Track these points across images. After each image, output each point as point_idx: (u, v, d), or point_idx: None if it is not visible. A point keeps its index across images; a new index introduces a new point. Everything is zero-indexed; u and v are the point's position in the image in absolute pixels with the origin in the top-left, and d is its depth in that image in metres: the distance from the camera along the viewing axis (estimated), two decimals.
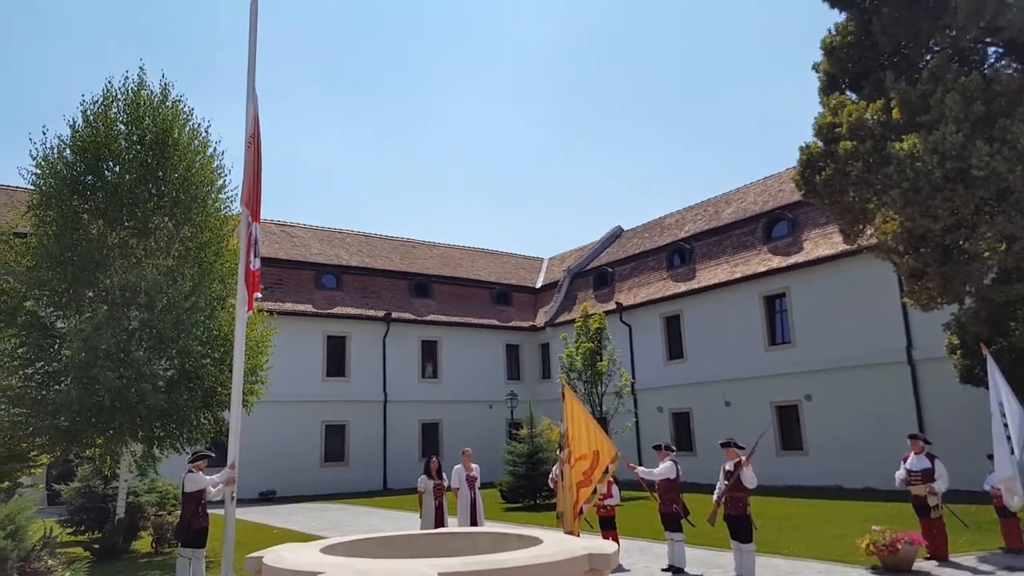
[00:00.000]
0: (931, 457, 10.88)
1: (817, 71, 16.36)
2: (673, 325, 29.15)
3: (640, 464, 13.18)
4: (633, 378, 27.23)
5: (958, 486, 13.00)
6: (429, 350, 33.03)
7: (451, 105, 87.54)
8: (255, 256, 7.70)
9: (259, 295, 7.91)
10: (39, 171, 13.42)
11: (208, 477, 9.65)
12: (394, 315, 31.56)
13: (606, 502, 11.19)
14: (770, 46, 79.61)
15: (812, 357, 23.68)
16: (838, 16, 16.08)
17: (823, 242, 24.07)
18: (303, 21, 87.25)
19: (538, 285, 38.93)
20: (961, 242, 13.49)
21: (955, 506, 11.62)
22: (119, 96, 13.85)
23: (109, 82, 13.86)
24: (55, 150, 13.51)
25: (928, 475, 10.74)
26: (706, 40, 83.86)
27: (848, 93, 15.77)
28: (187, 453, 12.55)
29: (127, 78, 13.95)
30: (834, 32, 15.90)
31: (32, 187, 13.63)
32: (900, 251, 14.43)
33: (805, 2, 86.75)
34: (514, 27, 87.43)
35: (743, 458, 9.77)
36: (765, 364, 25.22)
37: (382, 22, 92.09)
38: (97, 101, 13.74)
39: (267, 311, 16.61)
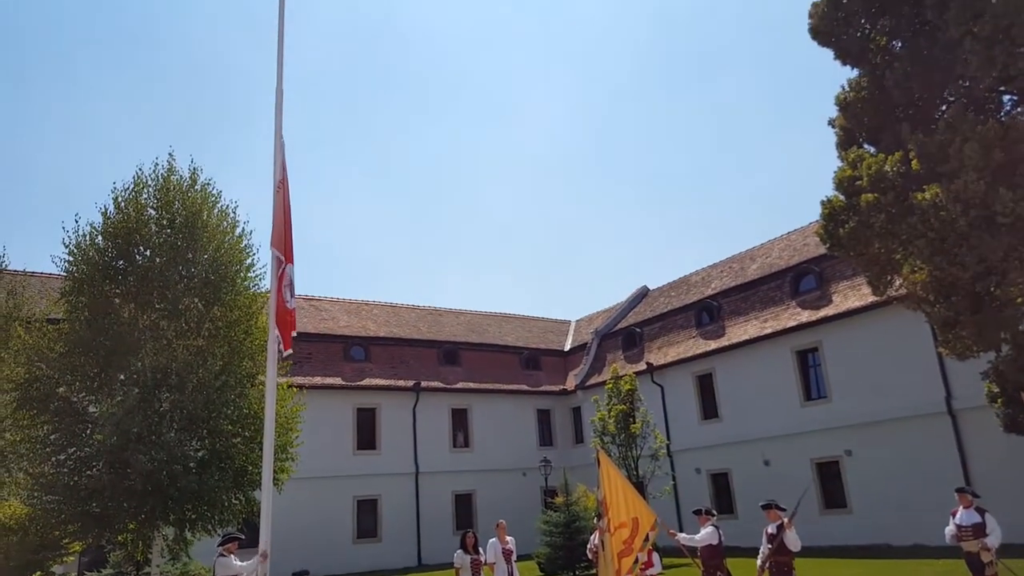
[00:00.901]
0: (981, 511, 10.48)
1: (833, 126, 16.49)
2: (706, 384, 28.70)
3: (681, 530, 12.81)
4: (668, 440, 26.74)
5: (1011, 539, 12.42)
6: (460, 418, 32.78)
7: (476, 176, 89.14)
8: (291, 296, 7.73)
9: (295, 333, 7.88)
10: (72, 258, 13.81)
11: (240, 563, 9.49)
12: (423, 384, 31.47)
13: (648, 571, 10.92)
14: (783, 102, 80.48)
15: (850, 411, 23.11)
16: (850, 72, 16.29)
17: (852, 294, 23.77)
18: (331, 97, 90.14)
19: (567, 348, 38.71)
20: (992, 289, 13.25)
21: (1011, 561, 11.09)
22: (149, 182, 14.32)
23: (139, 169, 14.40)
24: (87, 237, 13.93)
25: (979, 530, 10.31)
26: (720, 99, 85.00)
27: (866, 146, 15.83)
28: (219, 535, 12.45)
29: (157, 164, 14.45)
30: (847, 88, 16.08)
31: (65, 274, 13.99)
32: (931, 301, 14.23)
33: (816, 59, 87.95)
34: (537, 97, 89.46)
35: (785, 520, 9.53)
36: (802, 420, 24.65)
37: (409, 97, 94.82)
38: (128, 188, 14.20)
39: (296, 386, 16.66)
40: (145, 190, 14.27)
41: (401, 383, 31.10)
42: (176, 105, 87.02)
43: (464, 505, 31.35)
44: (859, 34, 15.84)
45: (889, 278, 15.58)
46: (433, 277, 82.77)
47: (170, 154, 14.56)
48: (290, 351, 7.93)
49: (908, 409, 21.43)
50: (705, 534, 10.57)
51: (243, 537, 10.27)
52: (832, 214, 15.30)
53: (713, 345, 28.44)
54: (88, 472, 13.54)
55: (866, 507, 22.37)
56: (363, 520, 29.29)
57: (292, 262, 7.84)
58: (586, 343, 36.41)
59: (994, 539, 10.22)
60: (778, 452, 25.12)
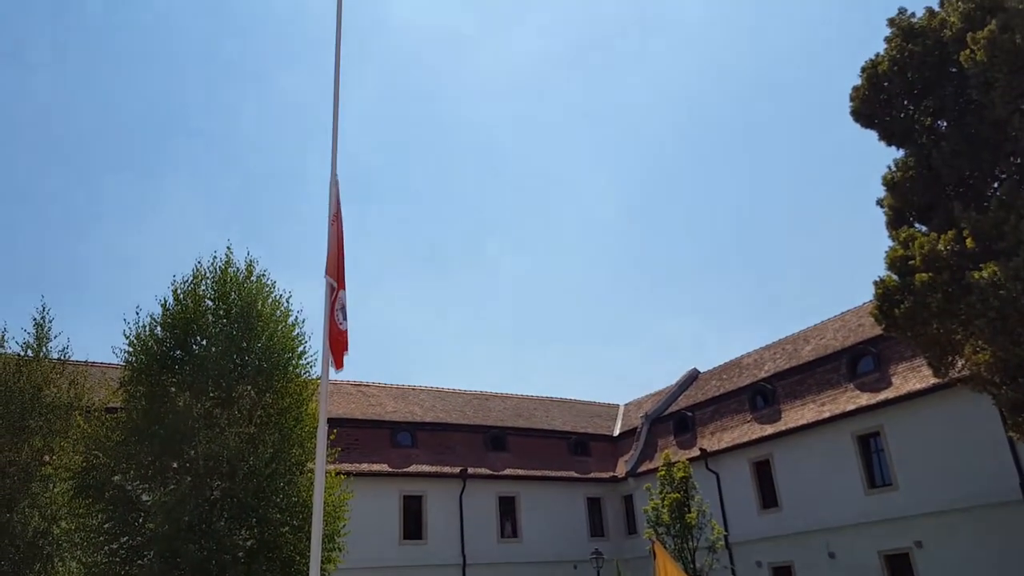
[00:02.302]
0: None
1: (882, 206, 16.40)
2: (763, 470, 27.71)
3: None
4: (726, 530, 25.69)
5: None
6: (507, 506, 32.08)
7: (521, 254, 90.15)
8: (343, 319, 8.04)
9: (347, 353, 8.14)
10: (131, 348, 14.27)
11: None
12: (470, 471, 31.03)
13: None
14: (829, 181, 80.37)
15: (917, 499, 22.02)
16: (896, 152, 16.29)
17: (912, 376, 23.00)
18: (374, 181, 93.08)
19: (616, 433, 37.94)
20: None
21: None
22: (207, 274, 14.85)
23: (199, 262, 14.94)
24: (147, 328, 14.41)
25: None
26: (768, 178, 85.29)
27: (917, 225, 15.67)
28: None
29: (215, 257, 15.01)
30: (894, 168, 16.06)
31: (124, 363, 14.43)
32: (996, 382, 13.76)
33: (861, 140, 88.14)
34: (582, 179, 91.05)
35: None
36: (867, 509, 23.53)
37: (453, 181, 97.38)
38: (187, 280, 14.75)
39: (343, 473, 16.61)
40: (203, 282, 14.80)
41: (447, 469, 30.73)
42: (229, 197, 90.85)
43: None
44: (902, 115, 15.95)
45: (950, 359, 15.17)
46: (479, 361, 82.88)
47: (228, 247, 15.19)
48: (341, 370, 8.20)
49: (980, 497, 20.37)
50: None
51: None
52: (886, 294, 15.05)
53: (770, 430, 27.60)
54: (139, 562, 13.57)
55: None
56: None
57: (344, 288, 8.24)
58: (636, 428, 35.67)
59: None
60: (844, 544, 23.93)
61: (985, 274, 12.73)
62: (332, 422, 12.54)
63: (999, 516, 19.94)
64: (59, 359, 16.45)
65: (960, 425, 20.97)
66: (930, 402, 21.97)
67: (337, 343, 7.97)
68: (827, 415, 25.24)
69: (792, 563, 25.83)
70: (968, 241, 13.61)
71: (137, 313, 14.51)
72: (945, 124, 15.43)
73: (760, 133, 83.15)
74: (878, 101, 15.96)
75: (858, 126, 16.59)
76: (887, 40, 16.00)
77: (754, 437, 27.98)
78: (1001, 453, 19.93)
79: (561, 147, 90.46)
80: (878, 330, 18.67)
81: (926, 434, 22.06)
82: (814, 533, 24.88)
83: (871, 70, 16.06)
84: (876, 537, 23.00)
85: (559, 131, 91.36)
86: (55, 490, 14.82)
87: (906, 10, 16.10)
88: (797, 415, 26.86)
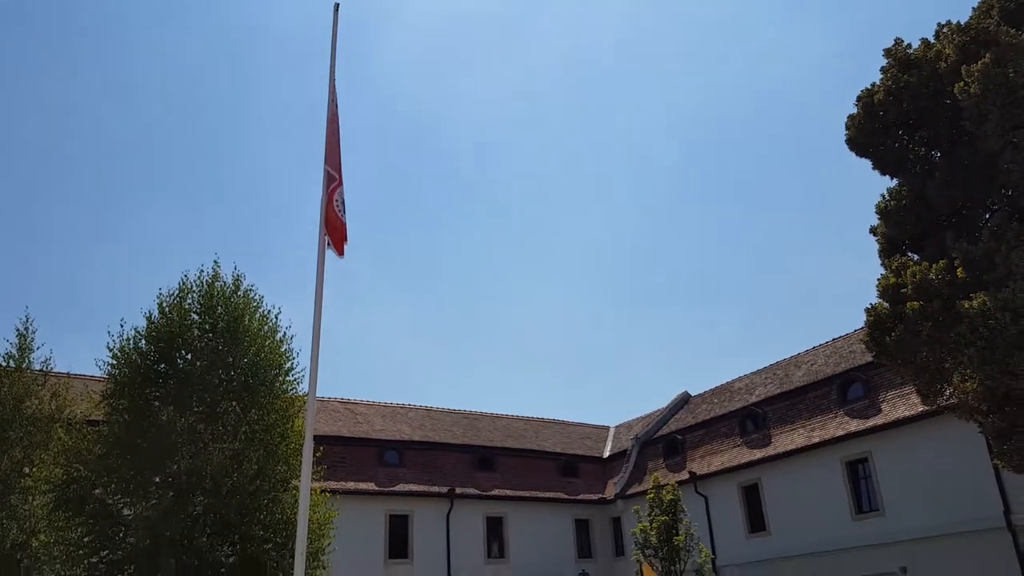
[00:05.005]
0: None
1: (875, 234, 16.46)
2: (752, 495, 27.62)
3: None
4: (713, 554, 25.59)
5: None
6: (494, 527, 31.81)
7: (512, 279, 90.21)
8: (343, 210, 8.18)
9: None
10: (115, 361, 14.10)
11: None
12: (458, 490, 30.79)
13: None
14: (821, 208, 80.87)
15: (903, 526, 22.09)
16: (889, 181, 16.36)
17: (901, 403, 23.06)
18: (366, 200, 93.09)
19: (605, 455, 37.76)
20: None
21: None
22: (194, 288, 14.73)
23: (185, 275, 14.82)
24: (131, 341, 14.25)
25: None
26: (762, 206, 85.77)
27: (909, 254, 15.72)
28: None
29: (202, 271, 14.90)
30: (888, 196, 16.12)
31: (107, 376, 14.27)
32: (983, 411, 13.82)
33: (856, 168, 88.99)
34: (577, 204, 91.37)
35: None
36: (853, 535, 23.55)
37: (446, 202, 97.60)
38: (173, 293, 14.62)
39: (329, 491, 16.42)
40: (189, 296, 14.68)
41: (435, 489, 30.48)
42: (217, 212, 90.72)
43: None
44: (896, 145, 16.02)
45: (939, 387, 15.18)
46: (469, 381, 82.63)
47: (215, 261, 15.06)
48: (342, 257, 8.31)
49: (964, 524, 20.50)
50: None
51: None
52: (877, 322, 15.06)
53: (759, 454, 27.55)
54: None
55: None
56: None
57: (342, 184, 8.36)
58: (626, 450, 35.53)
59: None
60: (829, 568, 23.88)
61: (975, 304, 12.77)
62: (319, 439, 12.43)
63: (982, 542, 20.07)
64: (41, 371, 16.30)
65: (947, 452, 21.08)
66: (918, 429, 22.07)
67: (336, 231, 8.11)
68: (816, 440, 25.25)
69: None
70: (959, 271, 13.66)
71: (121, 326, 14.39)
72: (939, 155, 15.52)
73: (757, 161, 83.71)
74: (873, 130, 16.03)
75: (854, 155, 16.68)
76: (883, 70, 16.11)
77: (743, 461, 27.92)
78: (986, 481, 20.07)
79: (559, 171, 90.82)
80: (868, 357, 18.73)
81: (913, 461, 22.14)
82: (801, 558, 24.82)
83: (867, 99, 16.16)
84: (861, 562, 22.99)
85: (555, 154, 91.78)
86: (34, 503, 14.60)
87: (902, 40, 16.24)
88: (787, 440, 26.83)
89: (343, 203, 8.28)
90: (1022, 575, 19.13)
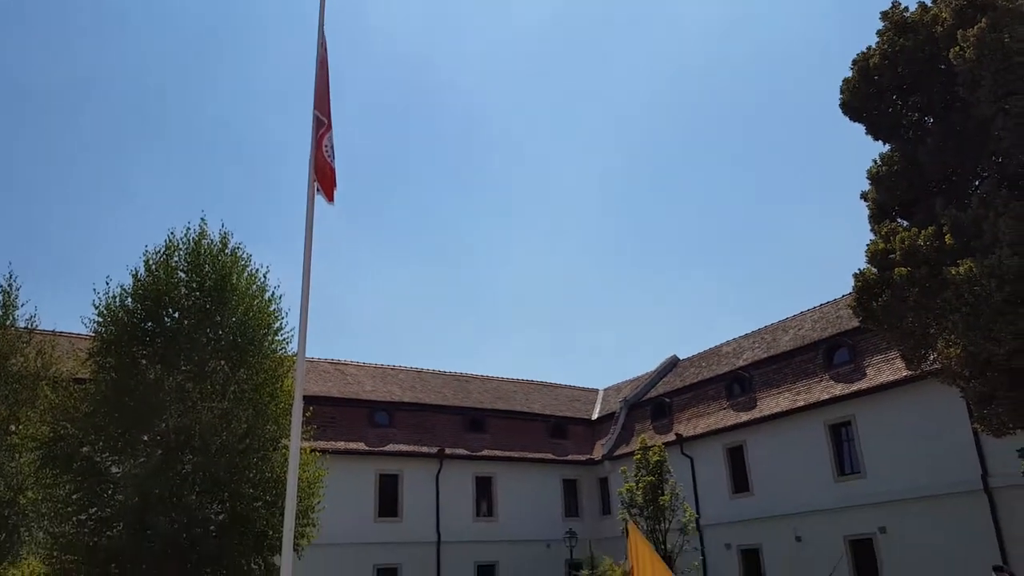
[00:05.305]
0: None
1: (866, 200, 16.43)
2: (736, 456, 28.03)
3: None
4: (697, 513, 26.01)
5: None
6: (484, 487, 32.22)
7: (501, 239, 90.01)
8: (332, 155, 8.20)
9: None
10: (101, 319, 13.98)
11: None
12: (447, 451, 31.09)
13: None
14: (812, 173, 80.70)
15: (884, 487, 22.49)
16: (882, 147, 16.30)
17: (886, 368, 23.30)
18: (357, 162, 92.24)
19: (594, 417, 38.14)
20: None
21: None
22: (181, 246, 14.57)
23: (171, 233, 14.64)
24: (117, 299, 14.11)
25: None
26: (754, 170, 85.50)
27: (899, 220, 15.74)
28: None
29: (189, 228, 14.73)
30: (880, 162, 16.06)
31: (93, 334, 14.16)
32: (966, 376, 13.96)
33: (849, 133, 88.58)
34: (568, 161, 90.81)
35: None
36: (835, 496, 23.98)
37: (430, 164, 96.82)
38: (159, 251, 14.45)
39: (319, 451, 16.52)
40: (176, 253, 14.52)
41: (425, 449, 30.77)
42: (207, 170, 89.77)
43: None
44: (890, 109, 15.92)
45: (923, 352, 15.32)
46: (459, 343, 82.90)
47: (202, 219, 14.89)
48: (332, 203, 8.31)
49: (943, 486, 20.90)
50: None
51: None
52: (865, 287, 15.13)
53: (744, 417, 27.87)
54: (108, 533, 13.46)
55: None
56: None
57: (331, 129, 8.36)
58: (614, 412, 35.87)
59: None
60: (811, 528, 24.36)
61: (962, 270, 12.83)
62: (309, 400, 12.47)
63: (959, 505, 20.46)
64: (26, 328, 16.09)
65: (928, 417, 21.37)
66: (901, 394, 22.32)
67: (325, 176, 8.11)
68: (801, 404, 25.53)
69: (760, 546, 26.24)
70: (947, 237, 13.69)
71: (107, 283, 14.21)
72: (932, 120, 15.44)
73: (749, 125, 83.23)
74: (868, 95, 15.91)
75: (847, 119, 16.58)
76: (879, 33, 15.93)
77: (729, 424, 28.25)
78: (965, 445, 20.38)
79: (550, 131, 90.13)
80: (855, 322, 18.85)
81: (896, 425, 22.44)
82: (783, 518, 25.28)
83: (862, 63, 16.01)
84: (842, 522, 23.45)
85: (548, 114, 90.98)
86: (21, 460, 14.60)
87: (900, 4, 16.05)
88: (772, 403, 27.12)
89: (332, 148, 8.27)
90: (997, 536, 19.49)
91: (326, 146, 8.15)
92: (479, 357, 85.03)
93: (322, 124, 8.23)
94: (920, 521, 21.29)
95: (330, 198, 8.17)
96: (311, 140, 8.17)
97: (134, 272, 14.21)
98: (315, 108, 8.39)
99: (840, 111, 16.54)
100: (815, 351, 26.85)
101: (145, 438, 13.90)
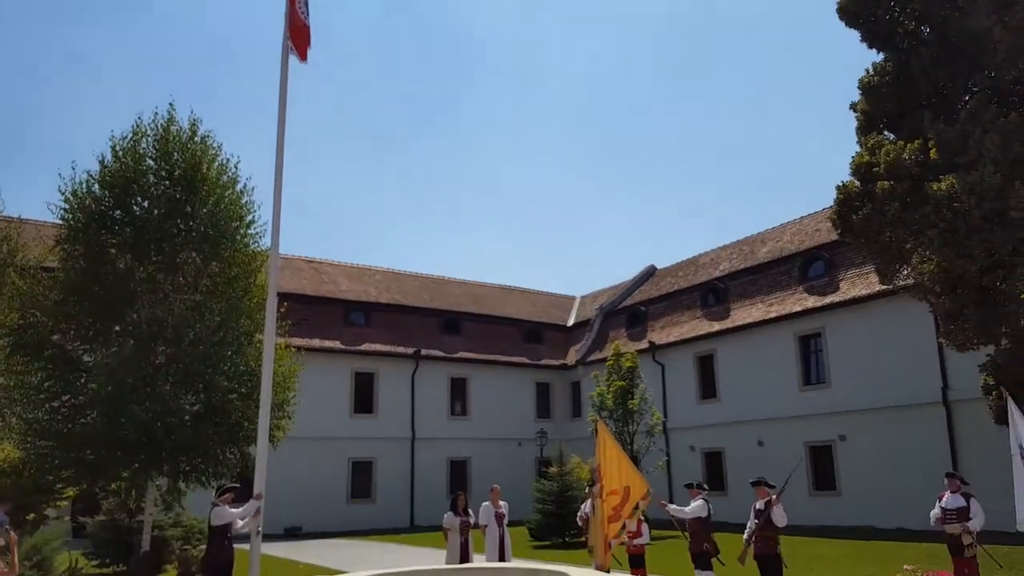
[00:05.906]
0: (967, 496, 10.45)
1: (855, 111, 16.17)
2: (706, 364, 28.70)
3: (671, 503, 12.85)
4: (665, 417, 26.80)
5: (993, 527, 12.39)
6: (458, 388, 32.83)
7: (482, 143, 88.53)
8: (307, 11, 8.11)
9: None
10: (67, 206, 13.54)
11: (234, 510, 9.42)
12: (423, 352, 31.46)
13: (636, 541, 11.01)
14: (804, 85, 79.41)
15: (847, 397, 23.25)
16: (876, 56, 15.91)
17: (860, 282, 23.60)
18: (332, 53, 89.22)
19: (570, 323, 38.62)
20: (998, 283, 13.23)
21: (990, 547, 11.02)
22: (148, 132, 13.98)
23: (139, 118, 14.01)
24: (83, 185, 13.62)
25: (963, 514, 10.29)
26: (740, 79, 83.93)
27: (886, 133, 15.56)
28: (213, 487, 12.43)
29: (156, 114, 14.12)
30: (872, 72, 15.72)
31: (60, 221, 13.77)
32: (937, 292, 14.16)
33: (843, 40, 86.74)
34: (547, 67, 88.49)
35: (773, 496, 9.66)
36: (799, 404, 24.79)
37: (414, 63, 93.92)
38: (126, 137, 13.89)
39: (294, 347, 16.55)
40: (144, 140, 13.94)
41: (401, 350, 31.09)
42: (178, 54, 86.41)
43: (459, 471, 31.58)
44: (888, 16, 15.46)
45: (898, 267, 15.46)
46: (437, 245, 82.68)
47: (170, 104, 14.19)
48: (304, 62, 8.23)
49: (905, 398, 21.65)
50: (695, 507, 10.67)
51: (238, 486, 10.16)
52: (847, 199, 15.09)
53: (717, 327, 28.37)
54: (82, 420, 13.49)
55: (855, 491, 22.70)
56: (357, 481, 29.53)
57: None
58: (590, 319, 36.31)
59: (976, 523, 10.20)
60: (773, 434, 25.27)
61: (943, 186, 12.78)
62: (283, 296, 12.35)
63: (918, 416, 21.29)
64: None
65: (896, 331, 21.89)
66: (872, 308, 22.79)
67: (300, 34, 8.01)
68: (773, 315, 25.99)
69: (723, 449, 27.28)
70: (932, 152, 13.59)
71: (73, 168, 13.66)
72: (928, 30, 15.04)
73: (738, 30, 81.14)
74: None
75: (843, 26, 16.08)
76: None
77: (701, 332, 28.78)
78: (929, 359, 21.05)
79: (529, 22, 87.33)
80: (834, 236, 18.92)
81: (864, 338, 22.98)
82: (747, 423, 26.19)
83: None
84: (804, 430, 24.35)
85: (540, 9, 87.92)
86: None
87: None
88: (745, 314, 27.54)
89: (307, 5, 8.06)
90: (950, 445, 20.37)
91: (300, 2, 7.91)
92: (456, 260, 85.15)
93: None
94: (879, 430, 22.16)
95: (303, 57, 8.04)
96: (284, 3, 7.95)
97: (101, 158, 13.68)
98: None
99: (836, 16, 16.03)
100: (792, 264, 27.12)
101: (117, 328, 13.71)
